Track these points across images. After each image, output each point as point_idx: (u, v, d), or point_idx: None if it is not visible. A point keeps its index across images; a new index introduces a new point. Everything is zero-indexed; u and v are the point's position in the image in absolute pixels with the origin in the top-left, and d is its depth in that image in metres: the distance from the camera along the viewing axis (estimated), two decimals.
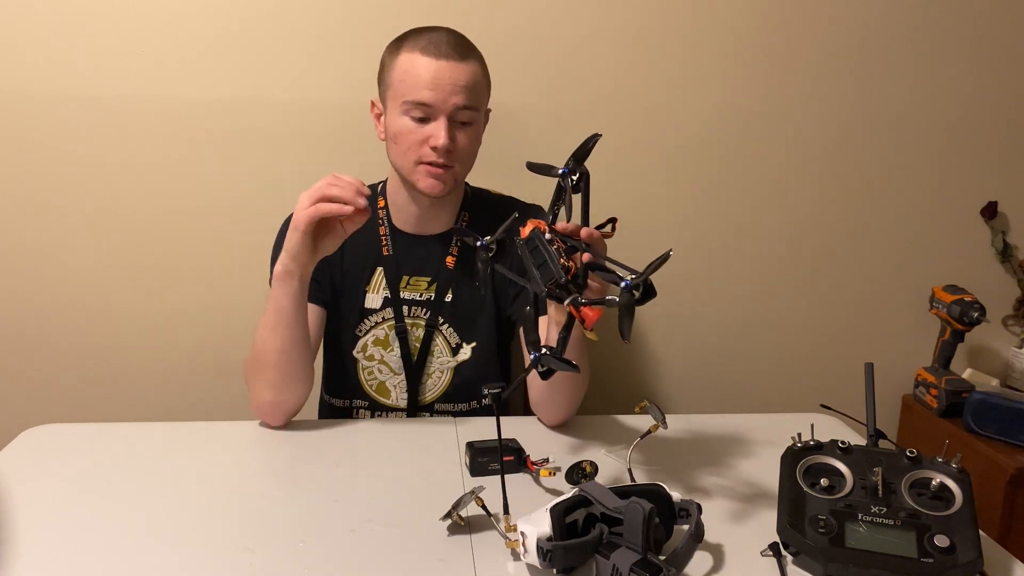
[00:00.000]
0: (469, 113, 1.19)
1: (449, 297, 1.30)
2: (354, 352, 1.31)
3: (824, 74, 1.67)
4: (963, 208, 1.77)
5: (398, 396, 1.32)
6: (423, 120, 1.18)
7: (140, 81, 1.52)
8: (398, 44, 1.21)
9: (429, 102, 1.16)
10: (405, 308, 1.30)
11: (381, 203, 1.32)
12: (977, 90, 1.71)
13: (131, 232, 1.59)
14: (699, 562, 0.86)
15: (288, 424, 1.19)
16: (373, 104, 1.28)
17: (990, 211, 1.75)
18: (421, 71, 1.16)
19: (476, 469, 1.04)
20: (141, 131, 1.54)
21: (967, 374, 1.80)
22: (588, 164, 1.73)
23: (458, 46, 1.18)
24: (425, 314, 1.30)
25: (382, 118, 1.25)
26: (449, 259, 1.30)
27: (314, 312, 1.28)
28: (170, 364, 1.66)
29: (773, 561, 0.87)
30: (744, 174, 1.71)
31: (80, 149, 1.54)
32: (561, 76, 1.61)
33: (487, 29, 1.53)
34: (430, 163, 1.19)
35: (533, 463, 1.04)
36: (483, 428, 1.12)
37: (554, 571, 0.82)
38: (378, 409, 1.33)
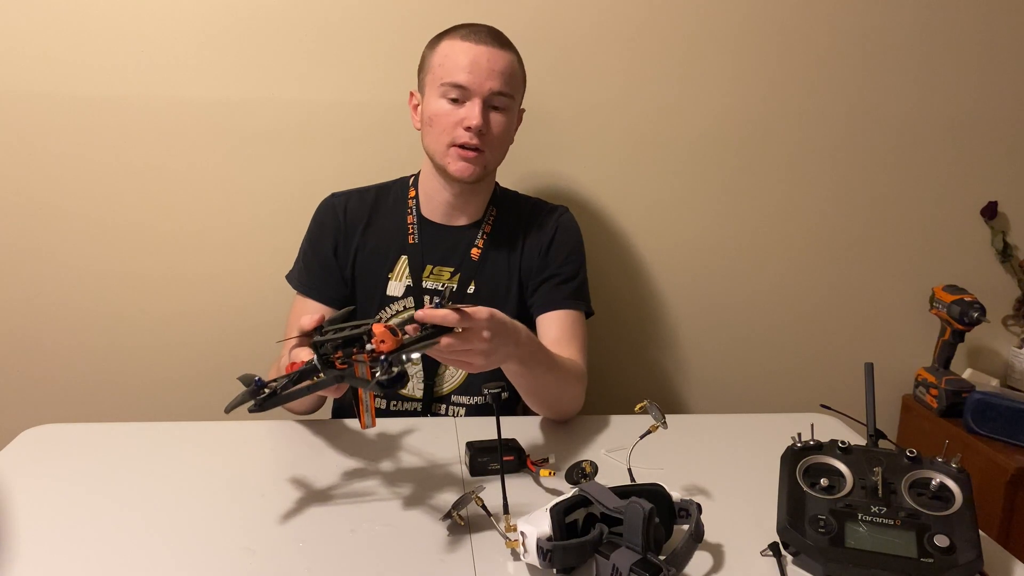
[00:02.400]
0: (503, 99, 1.24)
1: (472, 289, 1.31)
2: None
3: (825, 75, 1.67)
4: (963, 208, 1.77)
5: (414, 386, 1.32)
6: (458, 102, 1.23)
7: (141, 81, 1.52)
8: (440, 35, 1.28)
9: (465, 83, 1.21)
10: (426, 298, 1.31)
11: (412, 193, 1.35)
12: (977, 90, 1.71)
13: (131, 232, 1.59)
14: (699, 562, 0.86)
15: (289, 421, 1.20)
16: (412, 95, 1.32)
17: (990, 211, 1.75)
18: (460, 55, 1.22)
19: (476, 469, 1.04)
20: (142, 131, 1.54)
21: (967, 374, 1.80)
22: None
23: (497, 36, 1.25)
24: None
25: (419, 108, 1.29)
26: (474, 251, 1.32)
27: (321, 313, 1.28)
28: (170, 364, 1.66)
29: (773, 561, 0.87)
30: (744, 175, 1.70)
31: (80, 149, 1.54)
32: (571, 76, 1.61)
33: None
34: (462, 145, 1.23)
35: (533, 463, 1.04)
36: (483, 428, 1.12)
37: (554, 571, 0.82)
38: (394, 399, 1.33)
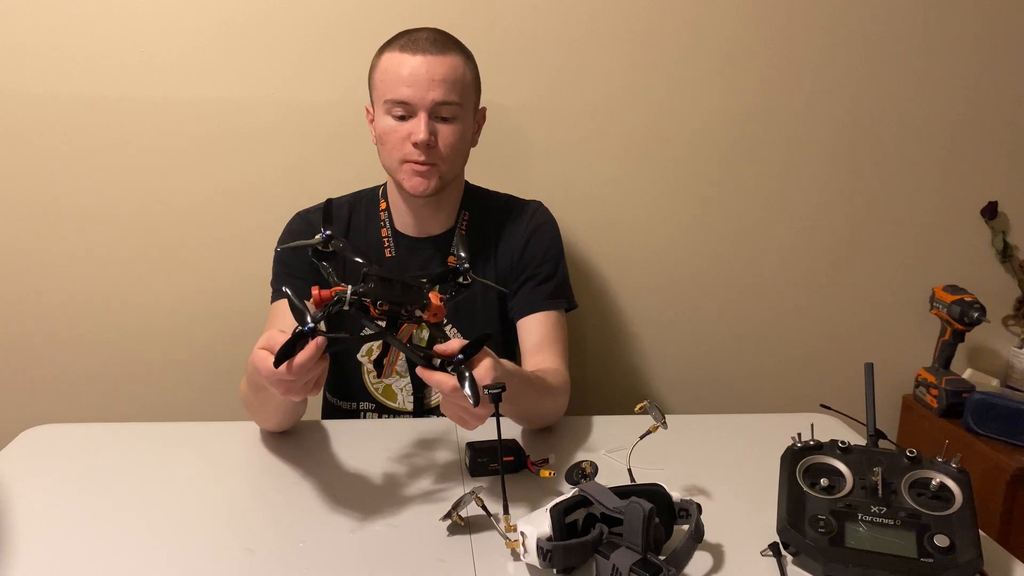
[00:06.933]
0: (451, 108, 1.18)
1: None
2: (358, 356, 1.31)
3: (824, 74, 1.67)
4: (963, 208, 1.77)
5: (404, 399, 1.32)
6: (404, 118, 1.18)
7: (140, 81, 1.52)
8: (382, 47, 1.22)
9: (407, 99, 1.16)
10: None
11: (383, 205, 1.33)
12: (978, 90, 1.71)
13: (131, 232, 1.59)
14: (699, 562, 0.86)
15: None
16: (368, 110, 1.28)
17: (990, 211, 1.75)
18: (400, 68, 1.17)
19: (476, 469, 1.04)
20: (140, 131, 1.54)
21: (967, 374, 1.80)
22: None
23: (437, 41, 1.18)
24: None
25: (374, 122, 1.25)
26: (451, 259, 1.30)
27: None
28: (170, 364, 1.66)
29: (773, 561, 0.87)
30: (744, 174, 1.70)
31: (79, 149, 1.54)
32: (562, 76, 1.61)
33: (485, 29, 1.53)
34: (413, 161, 1.19)
35: (533, 463, 1.04)
36: (483, 428, 1.12)
37: (554, 571, 0.82)
38: (385, 412, 1.33)
